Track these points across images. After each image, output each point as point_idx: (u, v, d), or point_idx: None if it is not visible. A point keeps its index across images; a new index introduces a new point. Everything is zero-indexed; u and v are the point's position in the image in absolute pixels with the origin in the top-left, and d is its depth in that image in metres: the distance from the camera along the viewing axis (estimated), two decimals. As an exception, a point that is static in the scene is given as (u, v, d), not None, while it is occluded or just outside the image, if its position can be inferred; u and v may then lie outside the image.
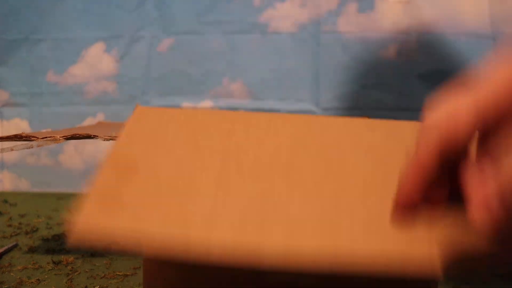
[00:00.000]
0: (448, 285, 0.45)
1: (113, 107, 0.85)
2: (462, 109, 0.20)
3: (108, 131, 0.43)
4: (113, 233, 0.26)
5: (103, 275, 0.45)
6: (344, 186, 0.29)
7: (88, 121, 0.85)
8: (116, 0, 0.84)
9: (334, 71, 0.82)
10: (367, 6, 0.81)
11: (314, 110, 0.83)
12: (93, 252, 0.51)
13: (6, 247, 0.51)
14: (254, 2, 0.83)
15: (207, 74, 0.85)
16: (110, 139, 0.38)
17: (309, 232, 0.27)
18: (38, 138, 0.38)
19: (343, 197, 0.28)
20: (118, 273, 0.46)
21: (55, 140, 0.37)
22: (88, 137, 0.38)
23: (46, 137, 0.37)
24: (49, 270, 0.46)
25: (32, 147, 0.38)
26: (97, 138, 0.38)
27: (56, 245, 0.54)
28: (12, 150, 0.39)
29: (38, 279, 0.43)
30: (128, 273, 0.46)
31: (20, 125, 0.86)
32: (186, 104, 0.85)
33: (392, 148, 0.32)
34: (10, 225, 0.61)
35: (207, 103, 0.85)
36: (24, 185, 0.87)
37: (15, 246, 0.53)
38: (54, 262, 0.48)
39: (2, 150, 0.40)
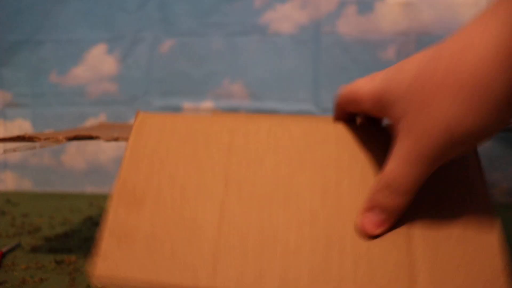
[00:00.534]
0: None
1: (115, 107, 0.86)
2: (360, 85, 0.29)
3: (110, 132, 0.43)
4: (128, 279, 0.29)
5: (104, 274, 0.45)
6: (339, 216, 0.30)
7: (90, 122, 0.86)
8: (118, 1, 0.84)
9: (334, 72, 0.83)
10: (367, 8, 0.81)
11: (314, 111, 0.83)
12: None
13: (9, 247, 0.52)
14: (255, 4, 0.83)
15: (208, 75, 0.85)
16: (112, 140, 0.38)
17: (304, 268, 0.29)
18: (40, 139, 0.38)
19: (336, 230, 0.30)
20: (119, 272, 0.46)
21: (57, 141, 0.37)
22: (90, 138, 0.39)
23: (48, 138, 0.37)
24: (52, 269, 0.47)
25: (35, 148, 0.39)
26: (99, 139, 0.38)
27: (58, 244, 0.55)
28: (15, 151, 0.40)
29: (41, 278, 0.44)
30: (129, 273, 0.46)
31: (23, 126, 0.86)
32: (187, 104, 0.85)
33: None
34: (13, 225, 0.62)
35: (207, 104, 0.85)
36: (26, 185, 0.87)
37: (18, 245, 0.53)
38: (56, 262, 0.48)
39: (5, 151, 0.41)
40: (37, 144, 0.38)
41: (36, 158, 0.87)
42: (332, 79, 0.83)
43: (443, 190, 0.30)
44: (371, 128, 0.34)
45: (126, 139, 0.38)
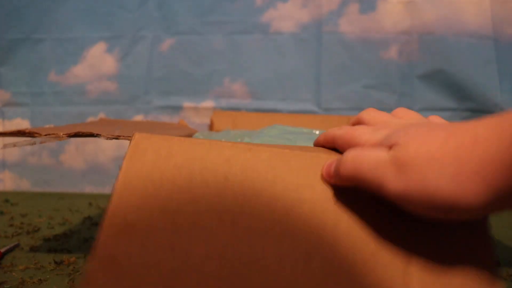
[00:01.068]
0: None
1: (114, 107, 0.85)
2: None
3: (111, 130, 0.43)
4: None
5: (105, 275, 0.45)
6: (334, 256, 0.30)
7: (90, 121, 0.85)
8: (117, 0, 0.84)
9: (336, 71, 0.82)
10: (369, 7, 0.81)
11: (315, 110, 0.83)
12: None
13: (7, 247, 0.51)
14: (256, 3, 0.83)
15: (209, 74, 0.85)
16: (113, 138, 0.38)
17: None
18: (41, 134, 0.38)
19: (332, 270, 0.29)
20: (120, 273, 0.46)
21: (58, 137, 0.36)
22: (91, 135, 0.38)
23: (49, 134, 0.37)
24: (51, 270, 0.46)
25: (34, 144, 0.38)
26: (100, 137, 0.38)
27: (57, 245, 0.54)
28: (14, 146, 0.39)
29: (40, 279, 0.43)
30: (130, 273, 0.46)
31: (22, 125, 0.86)
32: (187, 103, 0.85)
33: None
34: (11, 225, 0.61)
35: (208, 103, 0.85)
36: (25, 185, 0.87)
37: (17, 246, 0.53)
38: (56, 262, 0.48)
39: (5, 145, 0.40)
40: (37, 139, 0.37)
41: (35, 157, 0.87)
42: (334, 78, 0.82)
43: (444, 231, 0.30)
44: None
45: (127, 137, 0.37)
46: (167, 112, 0.85)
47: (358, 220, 0.31)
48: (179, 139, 0.33)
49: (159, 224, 0.30)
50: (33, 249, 0.52)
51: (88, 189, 0.87)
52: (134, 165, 0.33)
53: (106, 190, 0.86)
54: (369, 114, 0.33)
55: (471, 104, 0.79)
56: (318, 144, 0.36)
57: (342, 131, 0.32)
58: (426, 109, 0.79)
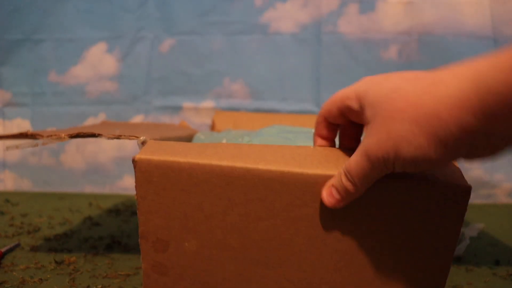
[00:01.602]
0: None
1: (114, 107, 0.85)
2: (345, 89, 0.32)
3: (112, 130, 0.43)
4: None
5: (105, 274, 0.45)
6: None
7: (90, 121, 0.86)
8: (118, 0, 0.84)
9: (335, 71, 0.82)
10: (368, 7, 0.81)
11: (315, 111, 0.83)
12: (96, 252, 0.52)
13: (8, 247, 0.51)
14: (255, 3, 0.83)
15: (208, 74, 0.85)
16: (115, 138, 0.38)
17: None
18: (43, 136, 0.38)
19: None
20: (120, 272, 0.46)
21: (59, 138, 0.37)
22: (93, 135, 0.39)
23: (51, 136, 0.37)
24: (52, 269, 0.46)
25: (37, 146, 0.39)
26: (101, 137, 0.38)
27: (58, 244, 0.54)
28: (17, 148, 0.40)
29: (41, 279, 0.44)
30: (130, 273, 0.46)
31: (22, 125, 0.86)
32: (187, 104, 0.85)
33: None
34: (12, 225, 0.62)
35: (208, 103, 0.85)
36: (25, 185, 0.87)
37: (17, 245, 0.53)
38: (56, 262, 0.48)
39: (8, 147, 0.40)
40: (39, 141, 0.37)
41: (35, 158, 0.87)
42: (333, 79, 0.82)
43: (411, 228, 0.33)
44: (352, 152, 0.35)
45: (128, 137, 0.38)
46: (167, 112, 0.85)
47: (355, 258, 0.34)
48: (182, 163, 0.34)
49: (184, 243, 0.35)
50: (34, 249, 0.52)
51: (88, 189, 0.87)
52: (146, 194, 0.35)
53: (106, 190, 0.87)
54: None
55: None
56: (319, 126, 0.36)
57: (326, 101, 0.35)
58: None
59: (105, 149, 0.86)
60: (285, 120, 0.71)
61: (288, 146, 0.36)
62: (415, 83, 0.28)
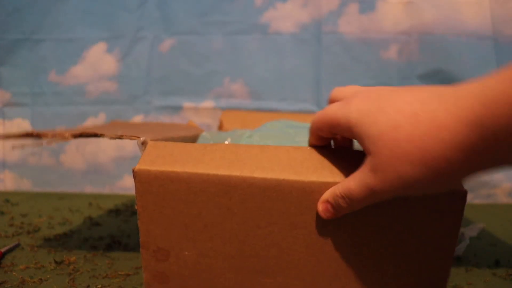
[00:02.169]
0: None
1: (114, 107, 0.85)
2: (334, 110, 0.33)
3: (115, 130, 0.43)
4: None
5: (105, 274, 0.45)
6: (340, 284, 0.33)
7: (90, 121, 0.86)
8: (118, 0, 0.84)
9: (335, 71, 0.82)
10: (368, 7, 0.81)
11: (315, 110, 0.83)
12: (95, 252, 0.52)
13: (8, 247, 0.51)
14: (255, 3, 0.83)
15: (208, 74, 0.85)
16: (117, 138, 0.38)
17: None
18: (47, 136, 0.39)
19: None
20: (120, 272, 0.46)
21: (63, 138, 0.37)
22: (95, 135, 0.39)
23: (55, 135, 0.38)
24: (51, 269, 0.46)
25: (42, 145, 0.39)
26: (103, 137, 0.38)
27: (58, 244, 0.54)
28: (23, 148, 0.40)
29: (41, 279, 0.44)
30: (130, 273, 0.46)
31: (22, 125, 0.86)
32: (187, 104, 0.85)
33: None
34: (12, 225, 0.62)
35: (208, 103, 0.85)
36: (25, 185, 0.87)
37: (17, 245, 0.53)
38: (56, 262, 0.48)
39: (14, 147, 0.41)
40: (44, 141, 0.38)
41: (35, 158, 0.87)
42: (333, 79, 0.82)
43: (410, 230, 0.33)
44: (347, 155, 0.36)
45: (129, 137, 0.38)
46: (167, 112, 0.85)
47: (354, 255, 0.34)
48: (180, 173, 0.35)
49: (185, 252, 0.35)
50: (34, 249, 0.52)
51: (88, 189, 0.87)
52: (146, 205, 0.35)
53: (106, 190, 0.87)
54: (338, 90, 0.36)
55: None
56: (312, 137, 0.37)
57: (316, 116, 0.35)
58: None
59: (105, 149, 0.86)
60: (292, 119, 0.72)
61: (285, 149, 0.36)
62: (416, 124, 0.28)
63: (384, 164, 0.29)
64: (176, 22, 0.84)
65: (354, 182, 0.31)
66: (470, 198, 0.32)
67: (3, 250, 0.50)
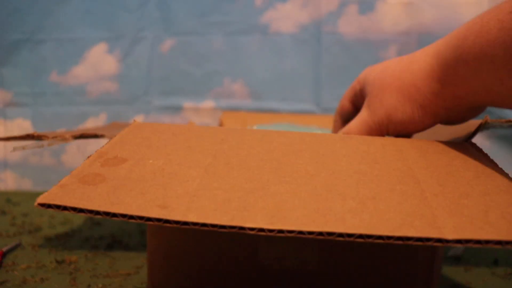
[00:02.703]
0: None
1: (115, 107, 0.86)
2: (346, 96, 0.42)
3: (115, 131, 0.44)
4: (87, 200, 0.26)
5: (106, 274, 0.45)
6: (336, 179, 0.29)
7: (90, 121, 0.86)
8: (118, 0, 0.84)
9: (335, 71, 0.83)
10: (368, 8, 0.81)
11: (315, 110, 0.83)
12: (96, 251, 0.52)
13: (9, 246, 0.51)
14: (255, 3, 0.83)
15: (209, 74, 0.85)
16: None
17: (298, 205, 0.26)
18: (48, 137, 0.39)
19: (334, 186, 0.29)
20: (121, 272, 0.46)
21: (64, 139, 0.38)
22: (95, 136, 0.39)
23: (56, 137, 0.38)
24: (52, 269, 0.46)
25: (43, 146, 0.39)
26: (104, 138, 0.39)
27: (59, 244, 0.54)
28: (24, 149, 0.41)
29: (42, 278, 0.44)
30: (131, 272, 0.46)
31: (23, 125, 0.86)
32: (187, 103, 0.85)
33: (386, 156, 0.32)
34: (13, 224, 0.62)
35: (208, 103, 0.85)
36: (27, 185, 0.87)
37: (18, 245, 0.53)
38: (57, 261, 0.48)
39: (15, 148, 0.41)
40: (45, 142, 0.38)
41: (37, 158, 0.87)
42: (333, 79, 0.82)
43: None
44: None
45: None
46: (167, 112, 0.86)
47: (361, 157, 0.33)
48: (177, 124, 0.34)
49: (150, 158, 0.31)
50: (35, 248, 0.53)
51: (89, 189, 0.87)
52: (132, 131, 0.35)
53: (107, 190, 0.87)
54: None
55: (470, 104, 0.80)
56: (336, 120, 0.45)
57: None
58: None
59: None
60: (293, 120, 0.72)
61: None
62: (399, 63, 0.36)
63: (373, 98, 0.36)
64: (176, 23, 0.84)
65: (354, 121, 0.38)
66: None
67: (4, 249, 0.50)
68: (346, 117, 0.43)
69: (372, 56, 0.81)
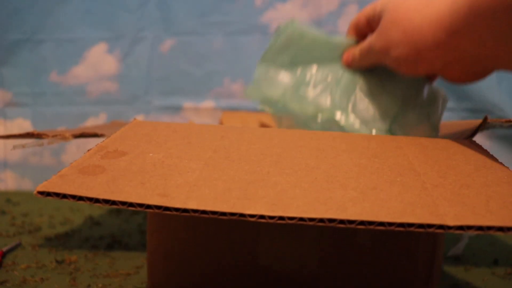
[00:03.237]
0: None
1: (115, 107, 0.86)
2: (364, 12, 0.42)
3: (115, 130, 0.44)
4: (87, 188, 0.26)
5: (106, 274, 0.45)
6: (337, 171, 0.30)
7: (90, 121, 0.86)
8: (118, 0, 0.84)
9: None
10: (368, 7, 0.81)
11: (315, 111, 0.83)
12: (96, 251, 0.52)
13: (9, 246, 0.51)
14: (256, 3, 0.83)
15: (209, 74, 0.85)
16: None
17: (299, 195, 0.26)
18: (48, 136, 0.39)
19: (335, 177, 0.29)
20: (121, 272, 0.46)
21: (64, 138, 0.38)
22: (95, 135, 0.39)
23: (56, 136, 0.38)
24: (52, 269, 0.46)
25: (42, 145, 0.39)
26: (104, 137, 0.39)
27: (59, 244, 0.54)
28: (23, 147, 0.40)
29: (42, 278, 0.44)
30: (130, 272, 0.46)
31: (23, 125, 0.86)
32: (187, 103, 0.85)
33: (386, 151, 0.33)
34: (13, 224, 0.62)
35: (208, 103, 0.85)
36: (27, 185, 0.87)
37: (18, 245, 0.53)
38: (57, 261, 0.48)
39: (15, 147, 0.41)
40: (44, 140, 0.38)
41: (37, 157, 0.87)
42: (333, 79, 0.82)
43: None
44: None
45: None
46: (167, 112, 0.86)
47: (361, 152, 0.33)
48: (178, 123, 0.34)
49: (150, 152, 0.31)
50: (35, 248, 0.53)
51: (89, 188, 0.87)
52: (133, 128, 0.34)
53: (107, 189, 0.87)
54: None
55: (469, 104, 0.80)
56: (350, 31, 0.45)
57: (356, 15, 0.43)
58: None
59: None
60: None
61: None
62: (419, 1, 0.35)
63: (383, 27, 0.37)
64: (176, 23, 0.84)
65: (367, 41, 0.40)
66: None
67: (4, 249, 0.50)
68: (358, 32, 0.43)
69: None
